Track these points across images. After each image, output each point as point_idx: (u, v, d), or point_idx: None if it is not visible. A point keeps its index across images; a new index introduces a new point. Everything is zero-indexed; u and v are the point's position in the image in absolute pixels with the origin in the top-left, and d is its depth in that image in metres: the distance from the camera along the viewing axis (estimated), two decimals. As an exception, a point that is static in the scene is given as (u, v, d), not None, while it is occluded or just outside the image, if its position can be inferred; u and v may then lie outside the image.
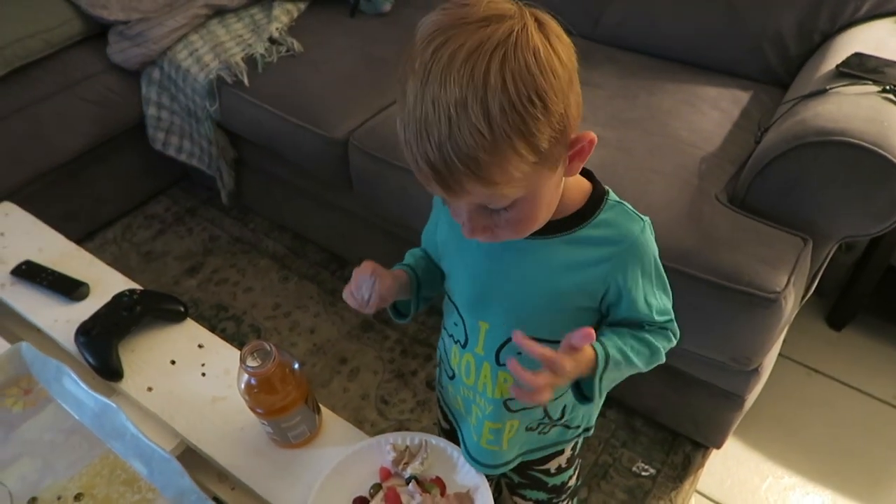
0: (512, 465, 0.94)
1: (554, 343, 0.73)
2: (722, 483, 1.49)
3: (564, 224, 0.71)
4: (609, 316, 0.77)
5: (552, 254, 0.72)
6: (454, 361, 0.87)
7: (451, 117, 0.55)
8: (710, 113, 1.51)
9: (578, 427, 0.92)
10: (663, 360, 0.78)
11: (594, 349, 0.71)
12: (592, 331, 0.64)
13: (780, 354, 1.58)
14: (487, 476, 0.96)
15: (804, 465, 1.52)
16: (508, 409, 0.84)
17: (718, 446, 1.51)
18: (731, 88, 1.59)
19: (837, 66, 1.29)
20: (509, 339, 0.77)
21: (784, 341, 1.43)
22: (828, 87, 1.24)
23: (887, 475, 1.50)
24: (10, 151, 1.73)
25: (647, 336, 0.76)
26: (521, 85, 0.55)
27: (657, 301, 0.75)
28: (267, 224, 2.14)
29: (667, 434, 1.55)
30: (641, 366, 0.75)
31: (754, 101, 1.55)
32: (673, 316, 0.78)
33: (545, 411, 0.86)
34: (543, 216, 0.67)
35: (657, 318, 0.76)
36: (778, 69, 1.61)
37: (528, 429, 0.88)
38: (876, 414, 1.61)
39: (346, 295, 0.79)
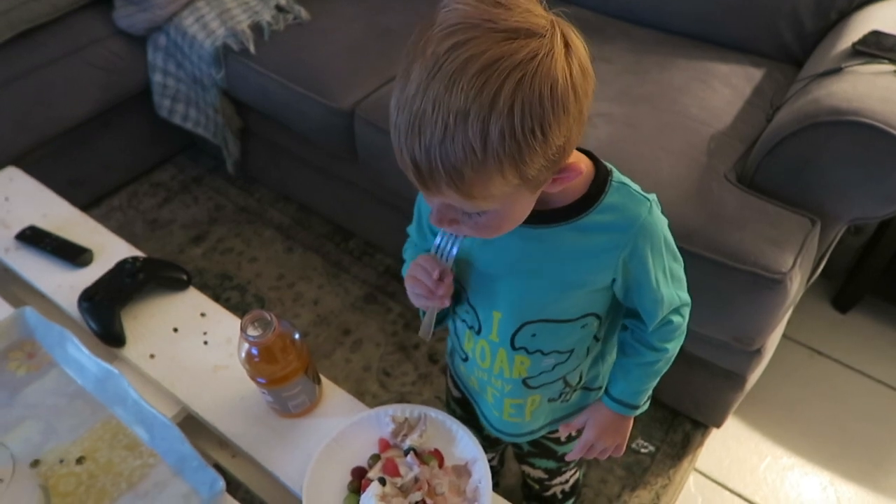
0: (540, 434, 0.95)
1: (564, 322, 0.77)
2: (721, 462, 1.49)
3: (570, 211, 0.69)
4: (622, 299, 0.77)
5: (560, 242, 0.70)
6: (467, 346, 0.86)
7: (448, 125, 0.53)
8: (722, 90, 1.49)
9: (600, 388, 0.91)
10: (680, 345, 0.83)
11: (609, 407, 0.86)
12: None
13: (783, 335, 1.58)
14: (495, 445, 0.98)
15: (804, 446, 1.52)
16: (528, 387, 0.85)
17: (718, 425, 1.51)
18: (743, 65, 1.57)
19: (853, 45, 1.26)
20: (524, 325, 0.77)
21: (788, 322, 1.43)
22: (843, 66, 1.22)
23: (888, 459, 1.50)
24: (15, 116, 1.72)
25: (650, 356, 0.81)
26: (527, 115, 0.52)
27: (668, 286, 0.75)
28: (272, 194, 2.14)
29: (667, 412, 1.56)
30: (662, 372, 0.84)
31: (767, 79, 1.53)
32: (683, 296, 0.79)
33: (564, 381, 0.86)
34: (509, 227, 0.65)
35: (664, 312, 0.76)
36: (792, 46, 1.58)
37: (550, 400, 0.88)
38: (879, 397, 1.61)
39: (413, 279, 0.75)
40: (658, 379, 0.85)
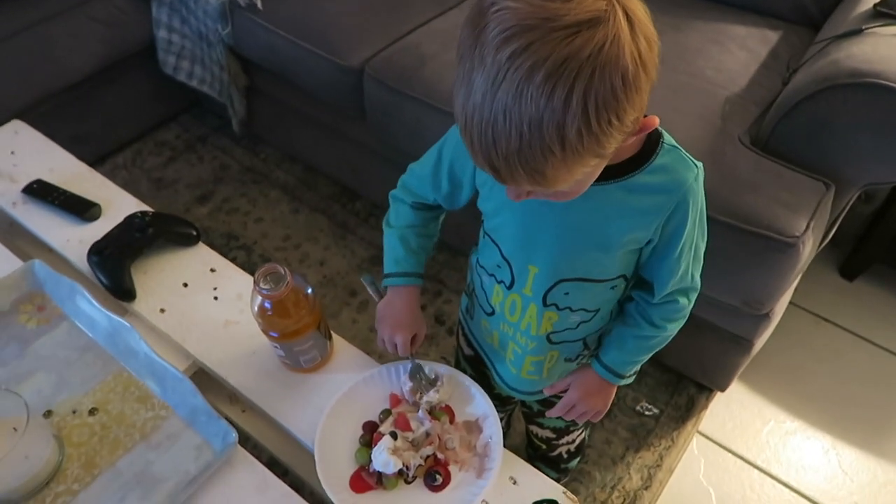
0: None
1: (598, 282, 0.77)
2: (724, 425, 1.51)
3: (620, 169, 0.68)
4: (643, 261, 0.77)
5: (606, 200, 0.69)
6: (495, 300, 0.86)
7: (524, 134, 0.51)
8: (738, 53, 1.46)
9: None
10: (679, 328, 0.83)
11: (597, 371, 0.87)
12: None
13: (790, 302, 1.58)
14: (505, 404, 0.97)
15: (807, 411, 1.53)
16: (550, 342, 0.85)
17: (723, 389, 1.52)
18: (760, 28, 1.54)
19: (874, 6, 1.24)
20: (559, 282, 0.77)
21: (795, 289, 1.43)
22: (863, 28, 1.19)
23: (889, 424, 1.51)
24: (18, 70, 1.69)
25: (648, 331, 0.82)
26: (602, 110, 0.51)
27: (688, 261, 0.75)
28: (278, 154, 2.12)
29: (672, 376, 1.56)
30: (656, 349, 0.85)
31: (784, 42, 1.50)
32: (696, 278, 0.79)
33: (584, 343, 0.87)
34: (585, 189, 0.64)
35: (674, 286, 0.77)
36: (810, 8, 1.55)
37: (566, 360, 0.89)
38: (882, 364, 1.62)
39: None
40: (650, 354, 0.85)
